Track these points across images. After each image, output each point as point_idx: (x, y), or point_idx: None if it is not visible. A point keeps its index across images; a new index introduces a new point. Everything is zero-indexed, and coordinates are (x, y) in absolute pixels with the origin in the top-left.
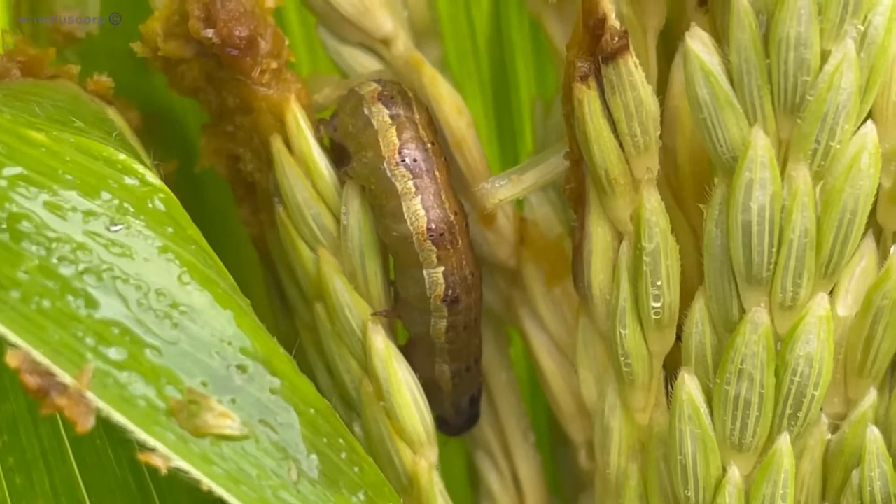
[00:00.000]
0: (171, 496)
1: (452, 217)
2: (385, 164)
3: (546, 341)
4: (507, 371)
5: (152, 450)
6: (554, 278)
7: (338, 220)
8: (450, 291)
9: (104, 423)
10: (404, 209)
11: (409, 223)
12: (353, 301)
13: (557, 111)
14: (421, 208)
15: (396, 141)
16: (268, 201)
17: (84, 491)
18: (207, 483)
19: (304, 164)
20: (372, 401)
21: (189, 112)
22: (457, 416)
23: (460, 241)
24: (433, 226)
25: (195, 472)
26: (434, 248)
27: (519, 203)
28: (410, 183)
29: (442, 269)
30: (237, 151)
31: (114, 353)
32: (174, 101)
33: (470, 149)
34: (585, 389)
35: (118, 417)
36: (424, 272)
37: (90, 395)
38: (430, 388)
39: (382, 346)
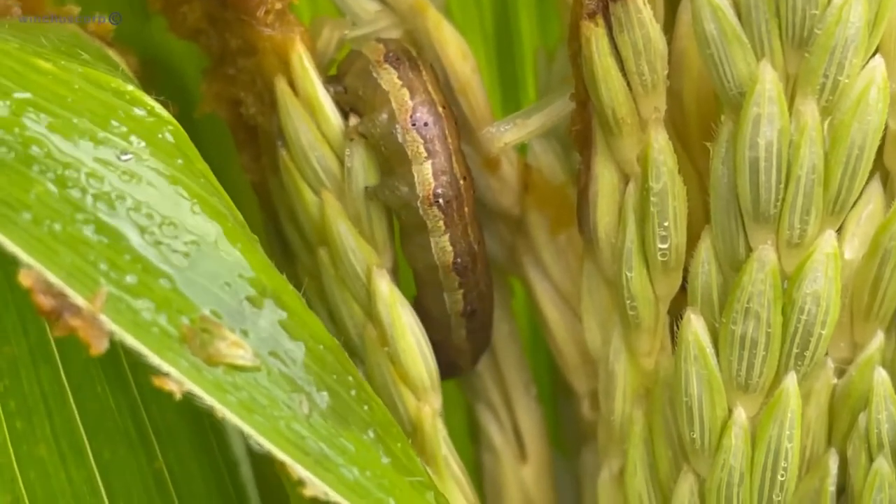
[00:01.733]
0: (172, 443)
1: (461, 183)
2: (397, 127)
3: (550, 290)
4: (508, 323)
5: (166, 375)
6: (558, 226)
7: (342, 164)
8: (458, 259)
9: (104, 369)
10: (414, 173)
11: (417, 187)
12: (357, 245)
13: (561, 59)
14: (430, 173)
15: (409, 103)
16: (270, 145)
17: (84, 436)
18: (221, 410)
19: (308, 106)
20: (375, 346)
21: (187, 59)
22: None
23: (467, 210)
24: (440, 191)
25: (209, 399)
26: (441, 214)
27: (522, 151)
28: (421, 147)
29: (448, 235)
30: (239, 95)
31: (126, 279)
32: (172, 48)
33: (475, 93)
34: (590, 336)
35: (132, 342)
36: (431, 239)
37: (103, 317)
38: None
39: (387, 291)
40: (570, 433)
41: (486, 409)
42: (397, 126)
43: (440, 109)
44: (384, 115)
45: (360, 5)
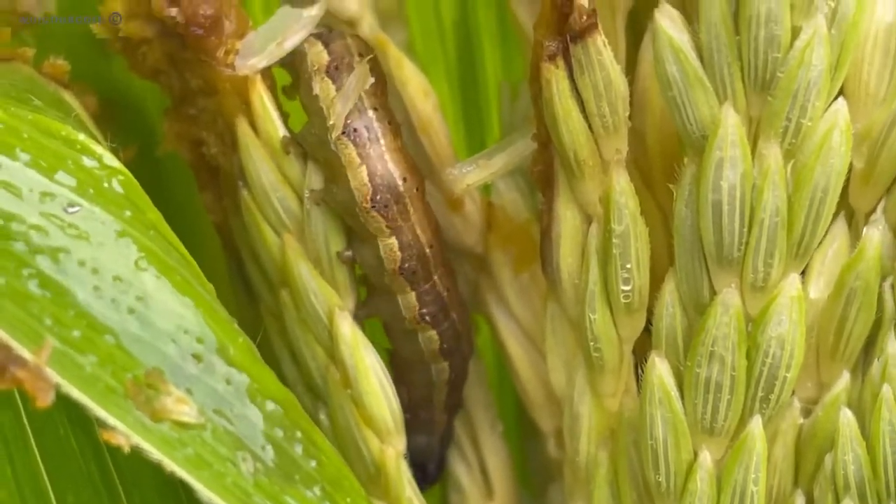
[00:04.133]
0: (136, 488)
1: (401, 184)
2: (330, 136)
3: (514, 328)
4: (474, 360)
5: (114, 428)
6: (522, 264)
7: (303, 204)
8: (406, 265)
9: (67, 412)
10: (350, 178)
11: (355, 192)
12: (318, 287)
13: (525, 96)
14: (365, 176)
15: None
16: (232, 186)
17: (47, 480)
18: (169, 465)
19: (269, 147)
20: (338, 388)
21: (149, 98)
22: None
23: (412, 210)
24: (378, 196)
25: (156, 454)
26: (382, 217)
27: (486, 188)
28: (354, 152)
29: (394, 239)
30: (200, 135)
31: (71, 334)
32: (133, 87)
33: (436, 132)
34: (554, 376)
35: (78, 395)
36: (379, 242)
37: (49, 370)
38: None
39: (349, 333)
40: (537, 471)
41: (453, 447)
42: (329, 135)
43: (371, 113)
44: (318, 123)
45: None
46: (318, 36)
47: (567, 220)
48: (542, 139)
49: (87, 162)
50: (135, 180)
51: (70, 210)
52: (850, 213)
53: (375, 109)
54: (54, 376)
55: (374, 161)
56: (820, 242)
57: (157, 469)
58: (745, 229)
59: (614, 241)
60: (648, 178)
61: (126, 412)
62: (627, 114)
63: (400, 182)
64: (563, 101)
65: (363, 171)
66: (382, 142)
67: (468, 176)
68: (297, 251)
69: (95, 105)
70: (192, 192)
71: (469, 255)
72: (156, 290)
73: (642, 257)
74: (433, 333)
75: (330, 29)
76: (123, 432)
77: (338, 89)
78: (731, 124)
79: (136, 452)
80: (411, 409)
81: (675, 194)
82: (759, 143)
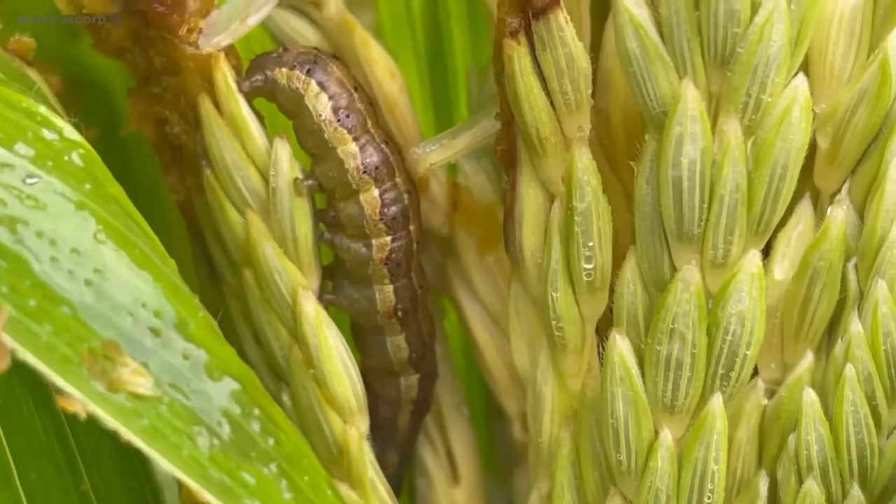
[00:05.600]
0: (97, 466)
1: (385, 149)
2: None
3: (479, 311)
4: (441, 344)
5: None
6: (487, 246)
7: (267, 183)
8: (386, 209)
9: (30, 390)
10: (339, 154)
11: (345, 164)
12: (282, 266)
13: (493, 79)
14: (356, 148)
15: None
16: (195, 165)
17: (10, 457)
18: (125, 434)
19: (233, 125)
20: (301, 369)
21: (115, 78)
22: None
23: (399, 176)
24: (368, 160)
25: (112, 422)
26: (371, 180)
27: (452, 171)
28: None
29: (378, 191)
30: (164, 114)
31: (28, 303)
32: (98, 68)
33: (402, 113)
34: (518, 357)
35: (34, 361)
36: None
37: (5, 336)
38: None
39: (313, 312)
40: (504, 456)
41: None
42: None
43: (355, 95)
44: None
45: (288, 24)
46: (301, 65)
47: (530, 198)
48: (505, 117)
49: (48, 134)
50: (96, 154)
51: (29, 181)
52: (816, 195)
53: (356, 89)
54: (10, 341)
55: (360, 132)
56: (784, 223)
57: (117, 447)
58: (706, 206)
59: (576, 219)
60: (612, 158)
61: (82, 381)
62: (590, 91)
63: (384, 144)
64: (525, 78)
65: (352, 145)
66: (367, 118)
67: (432, 155)
68: (260, 230)
69: (59, 85)
70: (156, 173)
71: (436, 237)
72: (114, 263)
73: (604, 235)
74: (402, 339)
75: (299, 46)
76: (79, 399)
77: (349, 131)
78: (690, 99)
79: (97, 430)
80: (372, 428)
81: (636, 171)
82: (720, 118)
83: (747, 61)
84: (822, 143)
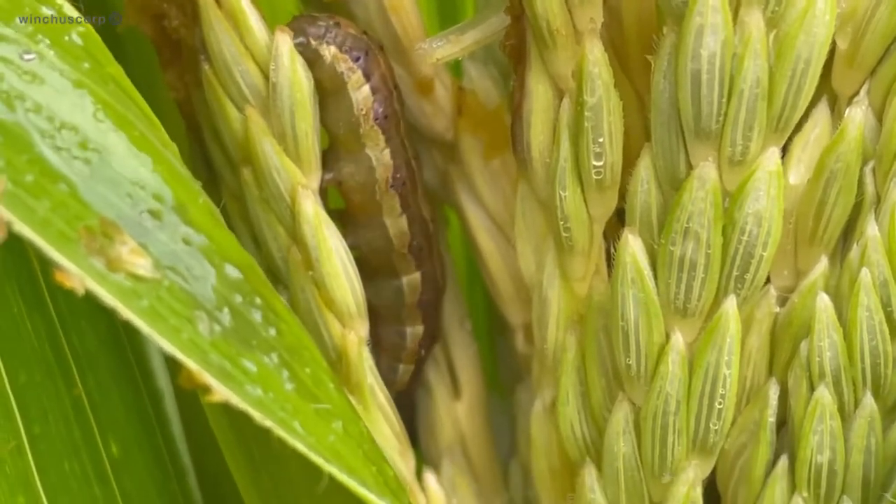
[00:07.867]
0: (92, 371)
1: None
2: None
3: (483, 217)
4: (444, 254)
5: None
6: (492, 150)
7: (267, 78)
8: (398, 174)
9: (21, 290)
10: (353, 100)
11: (355, 110)
12: (282, 164)
13: None
14: (369, 94)
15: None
16: (194, 60)
17: None
18: (124, 312)
19: (232, 18)
20: (300, 270)
21: None
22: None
23: (402, 128)
24: (380, 109)
25: (110, 300)
26: (381, 132)
27: (457, 74)
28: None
29: (388, 149)
30: (162, 8)
31: (25, 178)
32: None
33: (406, 12)
34: (523, 262)
35: (30, 234)
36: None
37: (2, 208)
38: None
39: (312, 212)
40: (506, 372)
41: None
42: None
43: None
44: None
45: None
46: (351, 51)
47: (539, 94)
48: (514, 12)
49: (46, 11)
50: (96, 34)
51: (26, 57)
52: (833, 99)
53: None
54: (6, 213)
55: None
56: (801, 126)
57: (114, 354)
58: (725, 100)
59: (587, 113)
60: (623, 55)
61: (80, 258)
62: None
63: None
64: None
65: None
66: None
67: (438, 51)
68: (260, 126)
69: None
70: (154, 73)
71: (439, 142)
72: (112, 144)
73: (615, 131)
74: (416, 276)
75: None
76: (77, 275)
77: (384, 131)
78: None
79: (92, 333)
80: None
81: (653, 65)
82: (741, 10)
83: None
84: (842, 44)
